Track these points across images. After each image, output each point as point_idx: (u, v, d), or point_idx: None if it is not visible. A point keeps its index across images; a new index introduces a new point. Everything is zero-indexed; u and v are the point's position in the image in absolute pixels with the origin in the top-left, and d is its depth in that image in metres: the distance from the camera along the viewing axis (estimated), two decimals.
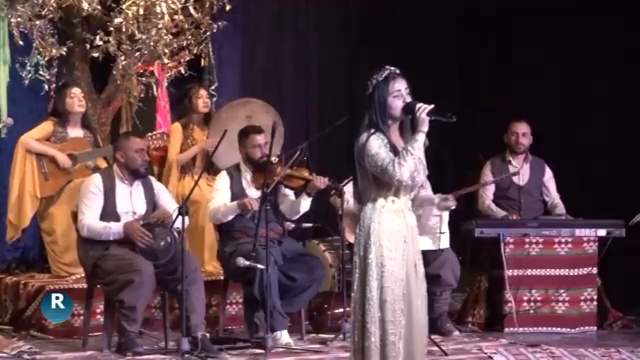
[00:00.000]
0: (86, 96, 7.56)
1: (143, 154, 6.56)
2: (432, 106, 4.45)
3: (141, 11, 7.65)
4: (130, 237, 6.29)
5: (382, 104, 4.49)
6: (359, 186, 4.57)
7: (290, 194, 6.92)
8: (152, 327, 6.95)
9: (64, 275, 7.29)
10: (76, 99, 7.42)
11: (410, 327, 4.48)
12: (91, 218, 6.35)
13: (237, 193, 6.77)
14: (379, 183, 4.48)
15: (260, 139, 6.82)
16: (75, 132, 7.51)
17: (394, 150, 4.45)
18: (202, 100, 7.80)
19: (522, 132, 7.78)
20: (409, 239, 4.51)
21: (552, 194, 7.88)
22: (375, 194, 4.49)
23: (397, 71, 4.54)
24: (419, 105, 4.46)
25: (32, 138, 7.40)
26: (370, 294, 4.43)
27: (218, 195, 6.78)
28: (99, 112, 7.94)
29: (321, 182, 6.73)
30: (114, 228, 6.33)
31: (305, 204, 6.82)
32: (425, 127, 4.44)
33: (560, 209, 7.80)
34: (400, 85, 4.50)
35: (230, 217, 6.71)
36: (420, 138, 4.44)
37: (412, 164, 4.40)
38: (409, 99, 4.50)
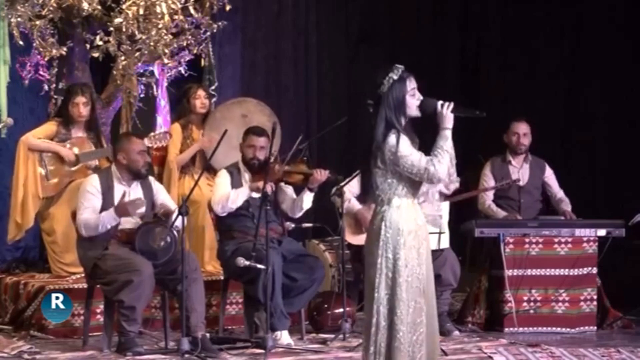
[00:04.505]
0: (90, 101, 7.50)
1: (145, 156, 6.57)
2: (452, 103, 4.49)
3: (141, 11, 7.65)
4: (124, 214, 6.27)
5: (399, 103, 4.50)
6: (377, 186, 4.54)
7: (291, 192, 6.92)
8: (152, 327, 6.95)
9: (64, 275, 7.29)
10: (76, 109, 7.39)
11: (431, 324, 4.52)
12: (86, 215, 6.35)
13: None
14: (407, 183, 4.50)
15: (257, 140, 6.78)
16: (79, 133, 7.50)
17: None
18: (200, 101, 7.80)
19: (523, 132, 7.78)
20: (426, 237, 4.57)
21: (555, 189, 7.87)
22: (398, 194, 4.51)
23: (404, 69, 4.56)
24: (440, 102, 4.49)
25: (34, 137, 7.40)
26: (401, 295, 4.44)
27: (221, 189, 6.75)
28: (99, 112, 7.93)
29: (322, 174, 6.73)
30: (106, 215, 6.30)
31: (308, 199, 6.81)
32: (450, 124, 4.49)
33: (566, 203, 7.78)
34: (414, 84, 4.54)
35: (240, 203, 6.65)
36: (449, 135, 4.49)
37: (448, 160, 4.46)
38: (421, 97, 4.53)
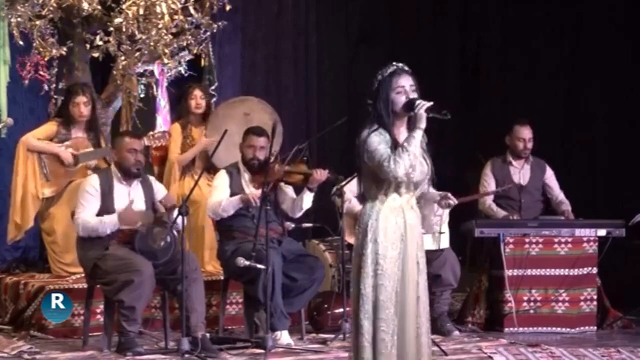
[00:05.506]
0: (90, 101, 7.49)
1: (136, 154, 6.52)
2: (431, 103, 4.45)
3: (141, 11, 7.65)
4: (127, 224, 6.28)
5: (385, 99, 4.49)
6: (362, 183, 4.58)
7: (291, 192, 6.92)
8: (152, 327, 6.96)
9: (64, 275, 7.29)
10: (77, 109, 7.39)
11: (403, 326, 4.49)
12: (85, 216, 6.35)
13: (237, 192, 6.76)
14: (379, 180, 4.48)
15: (257, 140, 6.79)
16: (79, 133, 7.50)
17: (397, 147, 4.45)
18: (195, 101, 7.79)
19: (529, 137, 7.75)
20: (407, 237, 4.50)
21: (555, 191, 7.87)
22: (376, 191, 4.50)
23: (405, 67, 4.53)
24: (418, 101, 4.46)
25: (34, 137, 7.40)
26: (365, 291, 4.45)
27: (217, 192, 6.77)
28: (98, 112, 7.93)
29: (321, 174, 6.73)
30: (108, 220, 6.31)
31: (308, 199, 6.82)
32: (422, 124, 4.44)
33: (567, 205, 7.78)
34: (404, 82, 4.49)
35: (231, 212, 6.67)
36: (417, 135, 4.44)
37: (408, 160, 4.40)
38: (413, 96, 4.50)
